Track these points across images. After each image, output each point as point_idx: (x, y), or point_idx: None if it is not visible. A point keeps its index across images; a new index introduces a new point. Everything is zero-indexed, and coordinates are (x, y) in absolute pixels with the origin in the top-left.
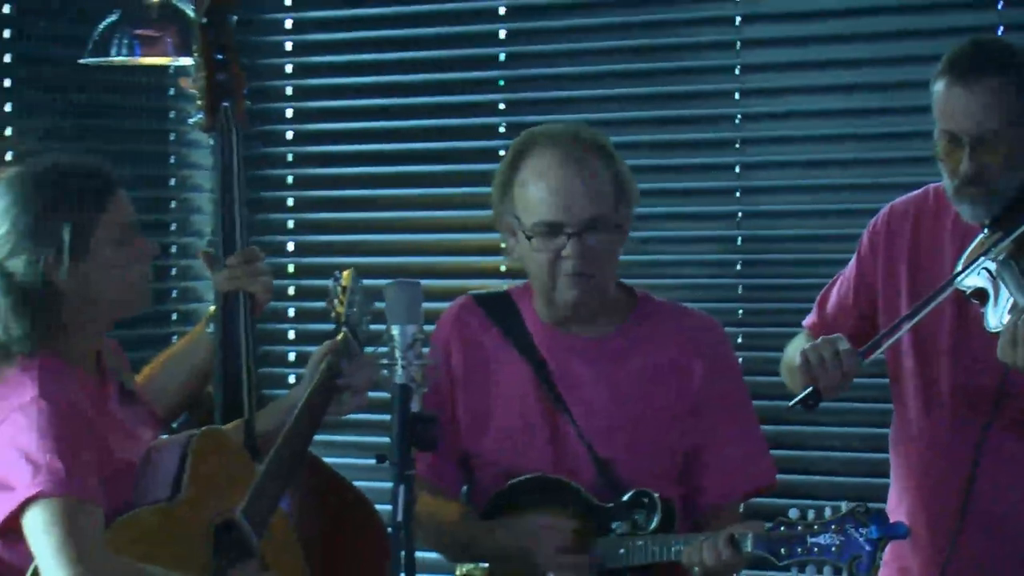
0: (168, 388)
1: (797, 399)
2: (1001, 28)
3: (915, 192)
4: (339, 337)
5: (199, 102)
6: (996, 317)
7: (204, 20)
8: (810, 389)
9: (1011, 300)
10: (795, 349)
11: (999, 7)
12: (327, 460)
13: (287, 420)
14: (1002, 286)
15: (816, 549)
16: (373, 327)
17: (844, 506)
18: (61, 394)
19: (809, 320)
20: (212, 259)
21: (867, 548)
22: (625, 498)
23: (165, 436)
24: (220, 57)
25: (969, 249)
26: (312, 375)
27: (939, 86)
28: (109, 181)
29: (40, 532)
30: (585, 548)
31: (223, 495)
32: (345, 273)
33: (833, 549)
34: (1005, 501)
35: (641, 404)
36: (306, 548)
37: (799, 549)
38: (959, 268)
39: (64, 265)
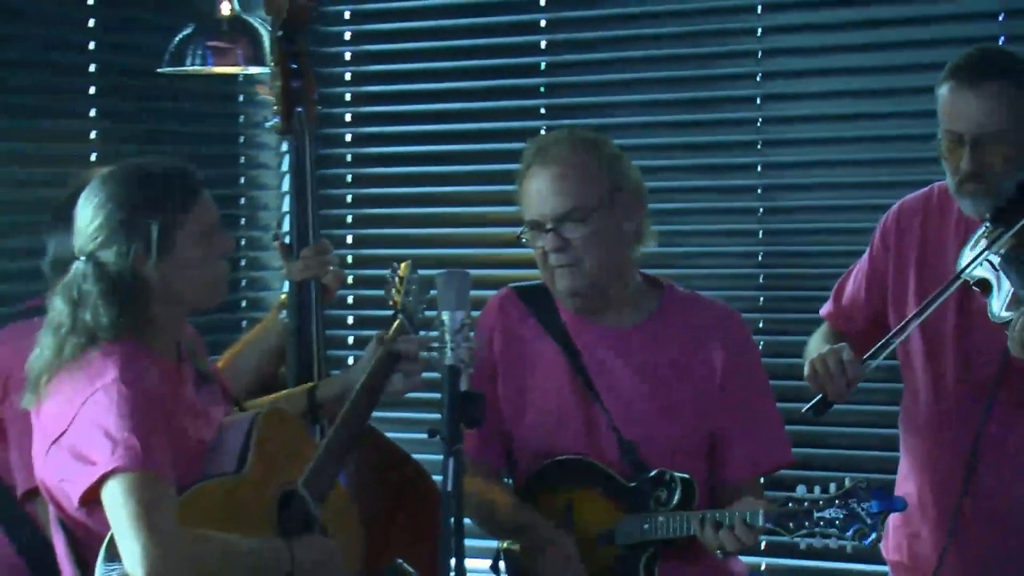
0: (245, 370)
1: (808, 407)
2: (1002, 38)
3: (921, 191)
4: (396, 323)
5: (275, 108)
6: (999, 305)
7: (280, 33)
8: (820, 396)
9: (1012, 291)
10: (815, 345)
11: (1000, 19)
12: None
13: (347, 399)
14: (1004, 277)
15: (822, 523)
16: (427, 313)
17: (848, 482)
18: (139, 378)
19: (826, 310)
20: (287, 250)
21: (869, 521)
22: (649, 478)
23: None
24: (294, 66)
25: (972, 240)
26: (371, 358)
27: (943, 90)
28: (195, 183)
29: (116, 503)
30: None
31: (285, 468)
32: (403, 264)
33: (837, 523)
34: (1008, 476)
35: (666, 390)
36: (370, 516)
37: (806, 523)
38: (962, 261)
39: (152, 259)
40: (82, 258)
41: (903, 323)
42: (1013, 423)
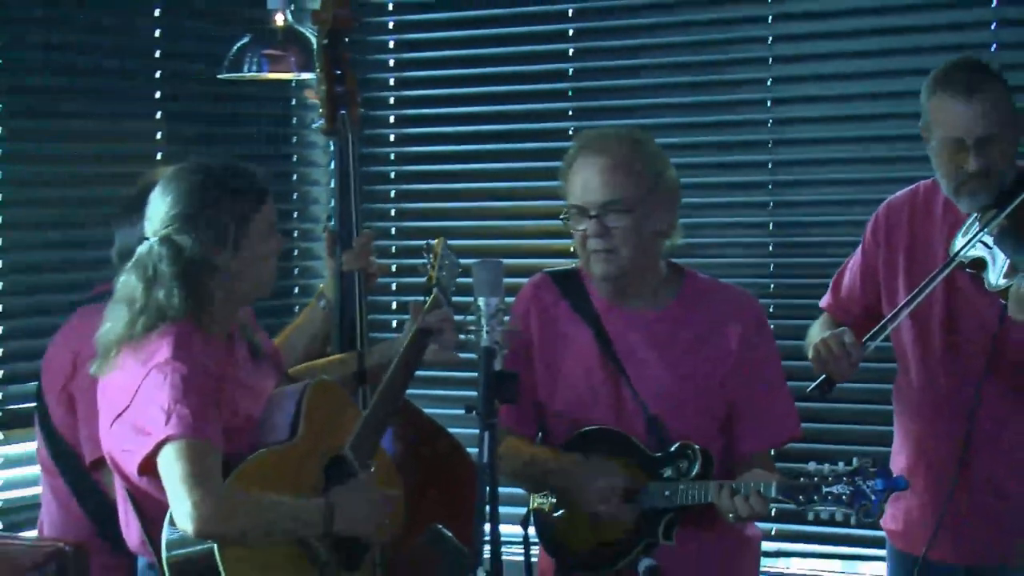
0: (292, 355)
1: (813, 387)
2: (995, 46)
3: (907, 189)
4: (432, 296)
5: (321, 110)
6: (995, 276)
7: (325, 41)
8: (823, 377)
9: (1008, 262)
10: (816, 332)
11: (992, 27)
12: (426, 411)
13: (388, 368)
14: (998, 252)
15: (830, 497)
16: (463, 298)
17: (855, 461)
18: (191, 357)
19: (825, 301)
20: (334, 241)
21: (873, 498)
22: (671, 449)
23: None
24: (338, 72)
25: (964, 227)
26: (411, 328)
27: (938, 101)
28: (264, 186)
29: (170, 467)
30: (629, 498)
31: (333, 434)
32: (436, 241)
33: (844, 498)
34: (1002, 439)
35: (688, 368)
36: (406, 487)
37: (815, 497)
38: (956, 246)
39: (225, 250)
40: (155, 239)
41: (899, 307)
42: (1007, 419)
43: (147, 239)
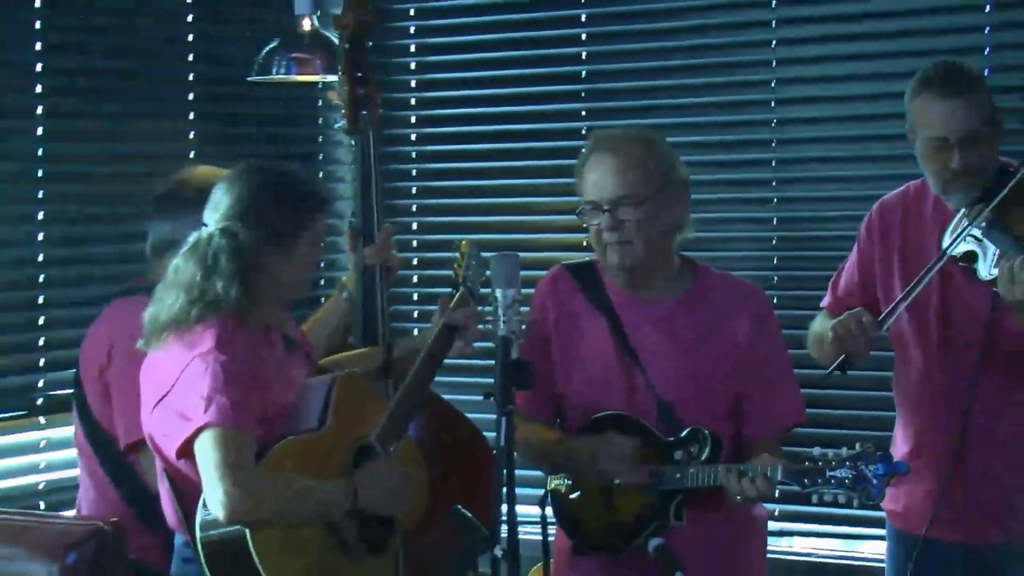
0: (316, 344)
1: (832, 367)
2: (988, 48)
3: (898, 190)
4: (459, 294)
5: (343, 111)
6: (986, 268)
7: (347, 46)
8: (842, 357)
9: (997, 253)
10: (819, 326)
11: (986, 31)
12: (445, 397)
13: (414, 361)
14: (988, 244)
15: (833, 481)
16: (484, 290)
17: (858, 446)
18: (232, 348)
19: (825, 302)
20: (356, 236)
21: (874, 482)
22: (683, 434)
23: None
24: (360, 74)
25: (952, 223)
26: (437, 322)
27: (922, 102)
28: (326, 199)
29: (205, 454)
30: (644, 462)
31: (360, 425)
32: (464, 242)
33: (847, 481)
34: (997, 431)
35: (698, 357)
36: (431, 473)
37: (819, 480)
38: (947, 241)
39: (277, 250)
40: (217, 228)
41: (904, 292)
42: (1001, 411)
43: (205, 226)
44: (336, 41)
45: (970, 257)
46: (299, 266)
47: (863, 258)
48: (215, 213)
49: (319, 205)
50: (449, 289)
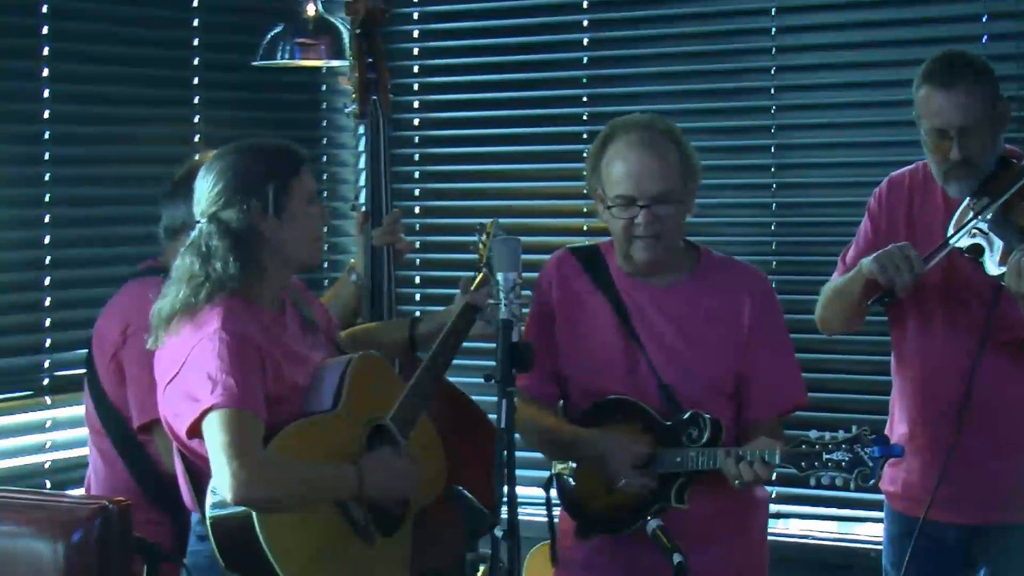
0: None
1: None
2: (985, 37)
3: (908, 167)
4: (480, 275)
5: (353, 96)
6: (994, 264)
7: (358, 31)
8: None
9: (1003, 247)
10: (837, 281)
11: (983, 20)
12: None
13: (437, 339)
14: (995, 239)
15: (830, 463)
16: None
17: (854, 429)
18: (239, 328)
19: (835, 276)
20: (366, 218)
21: (871, 464)
22: (684, 417)
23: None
24: (370, 60)
25: (957, 213)
26: (459, 303)
27: (923, 93)
28: (299, 155)
29: (213, 434)
30: (650, 465)
31: (375, 406)
32: (488, 223)
33: (843, 464)
34: (996, 413)
35: (701, 340)
36: None
37: (816, 463)
38: (951, 230)
39: (269, 216)
40: (204, 219)
41: (947, 238)
42: (1000, 392)
43: (198, 223)
44: (340, 26)
45: (976, 250)
46: (296, 229)
47: (875, 224)
48: (198, 207)
49: (295, 162)
50: (455, 272)
